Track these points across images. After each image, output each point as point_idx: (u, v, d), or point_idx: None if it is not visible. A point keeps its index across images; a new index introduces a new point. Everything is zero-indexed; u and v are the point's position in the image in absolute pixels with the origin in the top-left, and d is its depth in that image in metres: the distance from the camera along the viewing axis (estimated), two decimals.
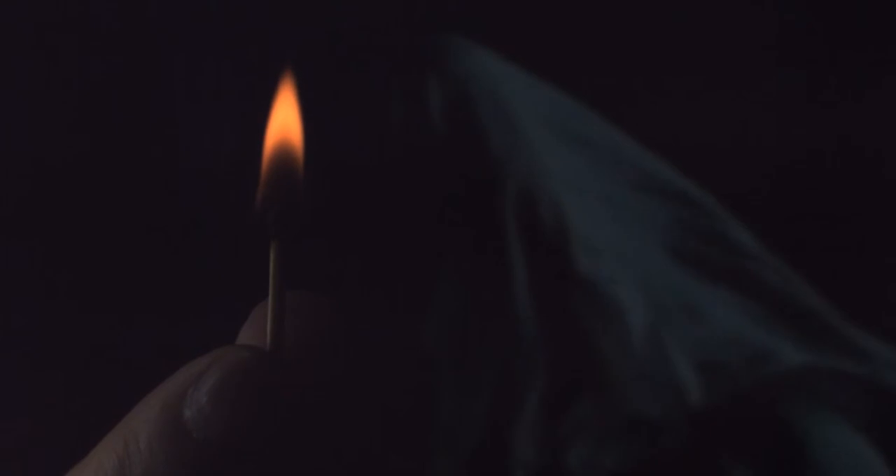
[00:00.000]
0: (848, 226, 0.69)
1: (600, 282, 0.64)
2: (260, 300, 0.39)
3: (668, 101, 0.69)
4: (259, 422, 0.36)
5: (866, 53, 0.71)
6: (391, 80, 0.67)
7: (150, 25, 0.67)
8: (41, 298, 0.65)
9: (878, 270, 0.68)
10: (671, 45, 0.70)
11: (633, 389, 0.63)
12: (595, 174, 0.68)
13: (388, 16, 0.67)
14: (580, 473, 0.61)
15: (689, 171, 0.69)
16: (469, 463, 0.62)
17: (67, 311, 0.64)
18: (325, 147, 0.42)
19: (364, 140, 0.66)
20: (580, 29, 0.69)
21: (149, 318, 0.64)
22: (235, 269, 0.56)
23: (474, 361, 0.63)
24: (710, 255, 0.67)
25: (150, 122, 0.66)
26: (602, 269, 0.65)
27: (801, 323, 0.65)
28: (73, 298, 0.65)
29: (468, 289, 0.64)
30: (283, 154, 0.39)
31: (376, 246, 0.65)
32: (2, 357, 0.64)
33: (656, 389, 0.63)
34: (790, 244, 0.68)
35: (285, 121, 0.39)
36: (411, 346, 0.63)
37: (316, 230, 0.41)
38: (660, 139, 0.68)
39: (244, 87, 0.64)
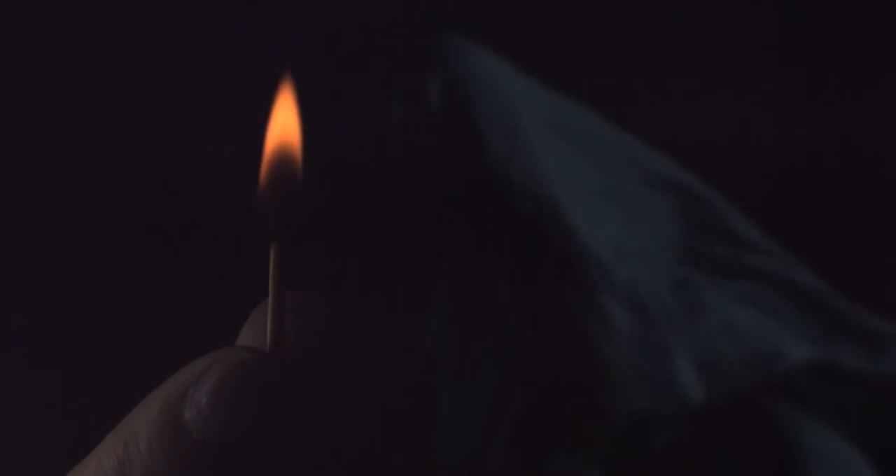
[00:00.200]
0: (848, 226, 0.69)
1: (600, 281, 0.64)
2: (260, 300, 0.39)
3: (668, 101, 0.69)
4: (259, 422, 0.36)
5: (866, 53, 0.71)
6: (391, 80, 0.67)
7: (150, 25, 0.67)
8: (41, 298, 0.65)
9: (878, 270, 0.68)
10: (671, 45, 0.70)
11: (633, 389, 0.63)
12: (596, 172, 0.68)
13: (388, 16, 0.67)
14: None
15: (689, 170, 0.69)
16: (469, 463, 0.62)
17: (67, 311, 0.64)
18: (325, 147, 0.42)
19: (364, 140, 0.66)
20: (580, 29, 0.69)
21: (149, 318, 0.64)
22: (235, 269, 0.56)
23: (474, 361, 0.63)
24: (714, 251, 0.67)
25: (150, 122, 0.66)
26: (603, 269, 0.64)
27: (809, 314, 0.65)
28: (73, 298, 0.65)
29: (468, 289, 0.64)
30: (283, 155, 0.39)
31: (376, 246, 0.65)
32: (2, 357, 0.64)
33: (656, 389, 0.63)
34: (790, 244, 0.68)
35: (285, 122, 0.39)
36: (411, 346, 0.63)
37: (316, 230, 0.41)
38: (660, 139, 0.68)
39: (244, 87, 0.64)
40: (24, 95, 0.66)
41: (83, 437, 0.39)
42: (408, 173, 0.66)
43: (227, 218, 0.55)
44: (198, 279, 0.64)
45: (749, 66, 0.70)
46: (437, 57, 0.67)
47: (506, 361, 0.63)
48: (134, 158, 0.66)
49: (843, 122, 0.69)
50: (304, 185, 0.39)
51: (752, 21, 0.70)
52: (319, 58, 0.65)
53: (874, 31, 0.71)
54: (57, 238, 0.65)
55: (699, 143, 0.68)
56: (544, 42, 0.69)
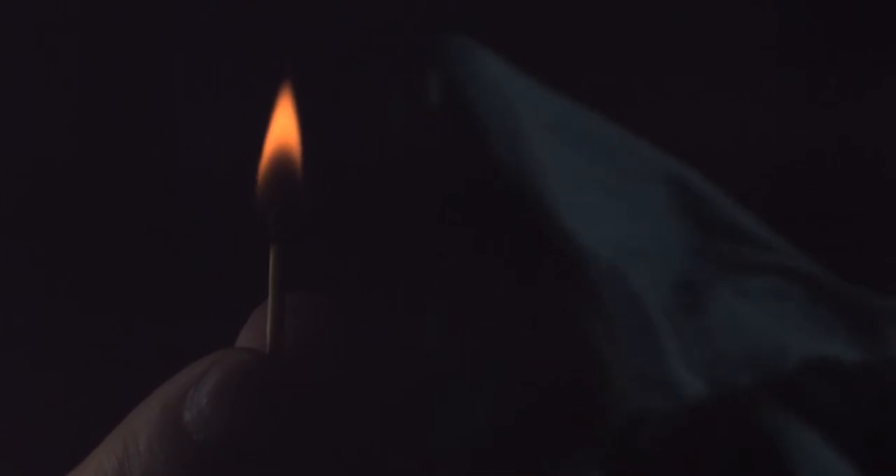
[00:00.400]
0: (848, 226, 0.69)
1: (600, 281, 0.64)
2: (260, 301, 0.39)
3: (668, 101, 0.69)
4: (259, 422, 0.36)
5: (866, 53, 0.71)
6: (391, 80, 0.67)
7: (150, 25, 0.67)
8: (41, 298, 0.65)
9: (878, 270, 0.68)
10: (671, 45, 0.70)
11: (633, 389, 0.63)
12: (596, 172, 0.68)
13: (388, 16, 0.67)
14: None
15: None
16: (469, 463, 0.62)
17: (67, 311, 0.64)
18: (325, 147, 0.42)
19: (364, 140, 0.66)
20: (580, 29, 0.69)
21: (149, 318, 0.64)
22: (235, 270, 0.56)
23: (474, 361, 0.63)
24: (718, 247, 0.67)
25: (150, 122, 0.66)
26: (603, 269, 0.65)
27: (816, 305, 0.65)
28: (73, 298, 0.65)
29: (468, 289, 0.64)
30: (283, 155, 0.39)
31: (376, 246, 0.65)
32: (2, 357, 0.64)
33: (656, 389, 0.63)
34: (790, 244, 0.68)
35: (285, 122, 0.39)
36: (411, 346, 0.63)
37: (316, 230, 0.41)
38: (660, 139, 0.68)
39: (244, 87, 0.64)
40: (24, 95, 0.66)
41: (83, 437, 0.39)
42: (408, 173, 0.66)
43: (227, 218, 0.55)
44: (198, 279, 0.64)
45: (749, 66, 0.70)
46: (437, 57, 0.67)
47: (506, 361, 0.63)
48: (134, 158, 0.66)
49: (843, 122, 0.69)
50: (303, 185, 0.39)
51: (752, 21, 0.70)
52: (319, 58, 0.65)
53: (874, 31, 0.71)
54: (57, 238, 0.65)
55: (699, 143, 0.68)
56: (544, 42, 0.69)
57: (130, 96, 0.66)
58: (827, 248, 0.68)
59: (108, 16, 0.66)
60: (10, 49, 0.66)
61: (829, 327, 0.65)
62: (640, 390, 0.63)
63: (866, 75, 0.70)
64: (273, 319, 0.38)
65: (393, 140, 0.66)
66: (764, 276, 0.66)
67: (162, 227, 0.65)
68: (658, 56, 0.70)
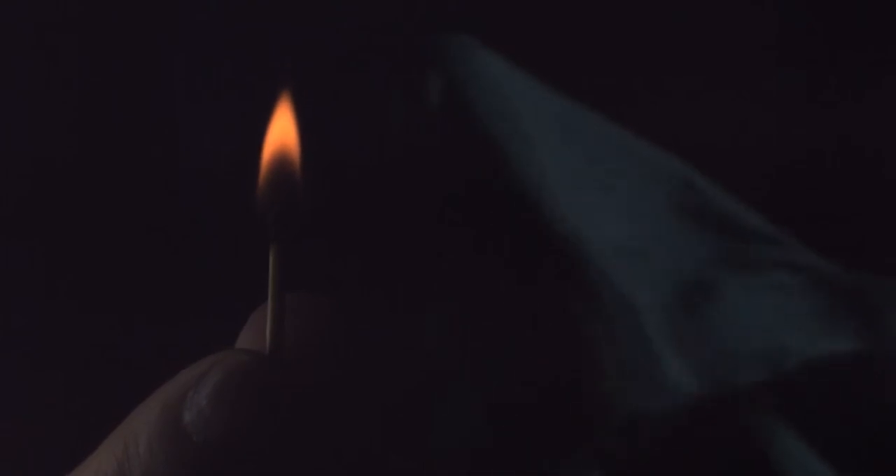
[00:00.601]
0: (848, 226, 0.69)
1: (600, 281, 0.64)
2: (260, 301, 0.39)
3: (668, 101, 0.69)
4: (259, 423, 0.36)
5: (866, 53, 0.71)
6: (391, 80, 0.67)
7: (150, 25, 0.67)
8: (41, 298, 0.65)
9: (878, 270, 0.68)
10: (671, 45, 0.70)
11: (633, 389, 0.63)
12: (596, 171, 0.68)
13: (388, 16, 0.67)
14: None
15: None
16: (469, 463, 0.62)
17: (67, 311, 0.64)
18: (325, 147, 0.42)
19: (364, 140, 0.66)
20: (580, 29, 0.69)
21: (149, 318, 0.64)
22: (235, 270, 0.56)
23: (474, 361, 0.63)
24: (720, 245, 0.67)
25: (150, 122, 0.66)
26: (603, 269, 0.65)
27: (821, 298, 0.65)
28: (73, 298, 0.65)
29: (468, 289, 0.64)
30: (283, 156, 0.39)
31: (376, 246, 0.65)
32: (2, 357, 0.64)
33: (655, 389, 0.63)
34: None
35: (285, 123, 0.39)
36: (411, 346, 0.63)
37: (316, 231, 0.41)
38: (660, 139, 0.68)
39: (244, 87, 0.64)
40: (24, 95, 0.66)
41: (83, 437, 0.39)
42: (408, 174, 0.66)
43: (227, 218, 0.55)
44: (198, 279, 0.64)
45: (749, 66, 0.70)
46: (437, 57, 0.67)
47: (506, 361, 0.63)
48: (134, 158, 0.66)
49: (843, 122, 0.69)
50: (303, 185, 0.39)
51: (752, 21, 0.70)
52: (319, 58, 0.65)
53: (874, 31, 0.71)
54: (57, 238, 0.65)
55: (699, 143, 0.68)
56: (544, 42, 0.69)
57: (130, 96, 0.66)
58: (827, 248, 0.68)
59: (108, 16, 0.66)
60: (10, 49, 0.66)
61: (832, 315, 0.65)
62: (640, 390, 0.63)
63: (866, 75, 0.70)
64: (273, 319, 0.38)
65: (393, 140, 0.66)
66: (768, 271, 0.66)
67: (162, 227, 0.65)
68: (658, 56, 0.70)
